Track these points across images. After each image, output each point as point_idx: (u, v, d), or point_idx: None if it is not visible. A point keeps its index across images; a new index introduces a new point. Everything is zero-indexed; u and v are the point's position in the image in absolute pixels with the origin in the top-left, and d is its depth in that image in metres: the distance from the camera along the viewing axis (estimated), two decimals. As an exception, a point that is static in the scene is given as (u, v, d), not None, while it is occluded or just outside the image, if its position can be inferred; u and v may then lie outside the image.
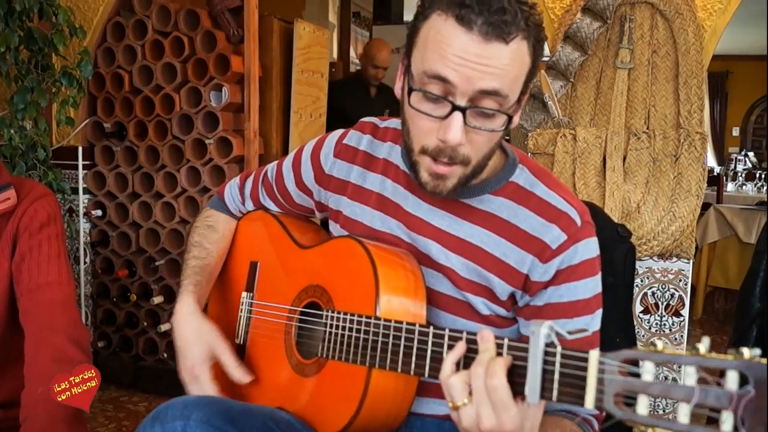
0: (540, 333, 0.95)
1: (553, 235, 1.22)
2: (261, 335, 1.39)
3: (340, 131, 1.47)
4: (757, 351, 0.78)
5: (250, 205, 1.62)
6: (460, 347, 1.03)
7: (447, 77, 1.09)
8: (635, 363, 0.86)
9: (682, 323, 2.76)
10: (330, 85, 4.09)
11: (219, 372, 1.41)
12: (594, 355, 0.90)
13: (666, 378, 2.53)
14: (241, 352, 1.49)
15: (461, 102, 1.10)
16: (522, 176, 1.28)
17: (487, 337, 1.00)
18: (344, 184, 1.41)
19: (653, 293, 2.75)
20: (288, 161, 1.53)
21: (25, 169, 3.12)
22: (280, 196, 1.55)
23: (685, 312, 2.75)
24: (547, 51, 2.83)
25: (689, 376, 0.81)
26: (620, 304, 1.69)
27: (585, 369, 0.91)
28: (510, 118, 1.14)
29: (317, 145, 1.48)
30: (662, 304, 2.75)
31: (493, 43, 1.07)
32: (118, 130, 3.50)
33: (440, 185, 1.18)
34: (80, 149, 3.53)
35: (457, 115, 1.10)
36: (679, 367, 0.85)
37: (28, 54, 3.13)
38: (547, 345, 0.95)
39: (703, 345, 0.81)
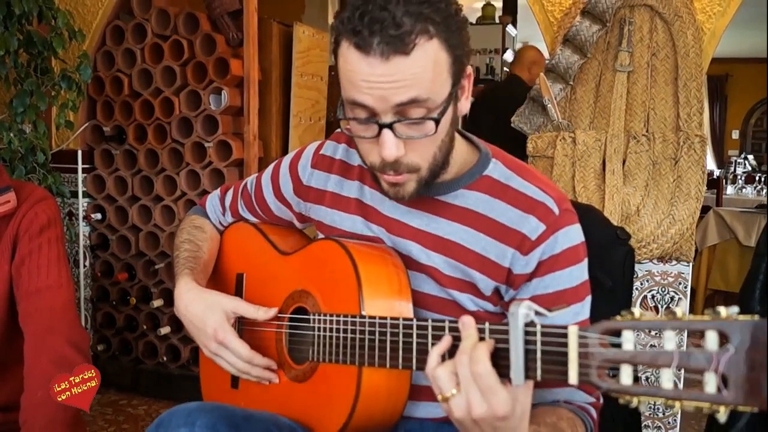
0: (519, 313, 0.95)
1: (531, 226, 1.22)
2: (254, 346, 1.40)
3: (317, 143, 1.48)
4: (735, 309, 0.77)
5: (229, 217, 1.63)
6: (446, 340, 1.04)
7: (364, 102, 1.11)
8: (616, 333, 0.86)
9: (682, 326, 2.75)
10: (483, 95, 4.18)
11: (217, 379, 1.40)
12: (573, 329, 0.91)
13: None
14: None
15: (386, 119, 1.11)
16: (496, 170, 1.29)
17: (468, 323, 1.01)
18: (322, 193, 1.42)
19: (653, 296, 2.75)
20: (267, 174, 1.55)
21: (24, 172, 3.12)
22: (258, 208, 1.56)
23: (685, 315, 2.75)
24: (546, 54, 2.83)
25: (669, 340, 0.80)
26: (619, 307, 1.68)
27: (566, 345, 0.91)
28: (438, 122, 1.13)
29: (295, 157, 1.49)
30: (662, 307, 2.75)
31: (394, 59, 1.07)
32: (117, 133, 3.50)
33: (399, 191, 1.20)
34: (80, 153, 3.53)
35: (386, 132, 1.12)
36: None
37: (27, 57, 3.13)
38: (527, 324, 0.95)
39: (680, 309, 0.81)
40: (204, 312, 1.37)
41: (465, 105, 1.21)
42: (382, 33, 1.06)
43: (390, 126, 1.11)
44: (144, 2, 3.40)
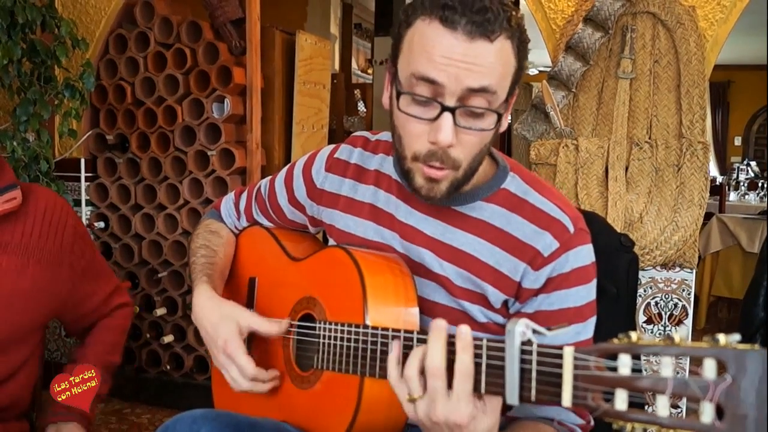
0: (515, 332, 0.93)
1: (545, 242, 1.21)
2: (262, 350, 1.40)
3: (331, 146, 1.48)
4: (735, 337, 0.75)
5: (244, 221, 1.63)
6: (396, 347, 1.06)
7: (435, 78, 1.09)
8: (612, 356, 0.84)
9: (686, 333, 2.75)
10: None
11: (226, 383, 1.40)
12: (569, 350, 0.88)
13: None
14: None
15: (450, 102, 1.10)
16: (514, 183, 1.28)
17: (438, 325, 1.02)
18: (336, 197, 1.41)
19: (656, 303, 2.75)
20: (280, 177, 1.54)
21: (28, 181, 3.13)
22: (272, 212, 1.56)
23: (689, 322, 2.74)
24: (549, 62, 2.84)
25: (666, 366, 0.78)
26: (623, 315, 1.68)
27: (561, 366, 0.89)
28: (500, 117, 1.15)
29: (309, 161, 1.48)
30: (665, 314, 2.74)
31: (478, 42, 1.08)
32: (120, 142, 3.50)
33: (434, 188, 1.18)
34: (83, 161, 3.54)
35: (447, 116, 1.10)
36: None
37: (30, 66, 3.14)
38: (524, 343, 0.93)
39: (678, 334, 0.79)
40: (218, 322, 1.34)
41: (505, 122, 1.20)
42: (471, 14, 1.07)
43: (453, 110, 1.10)
44: (147, 11, 3.41)
